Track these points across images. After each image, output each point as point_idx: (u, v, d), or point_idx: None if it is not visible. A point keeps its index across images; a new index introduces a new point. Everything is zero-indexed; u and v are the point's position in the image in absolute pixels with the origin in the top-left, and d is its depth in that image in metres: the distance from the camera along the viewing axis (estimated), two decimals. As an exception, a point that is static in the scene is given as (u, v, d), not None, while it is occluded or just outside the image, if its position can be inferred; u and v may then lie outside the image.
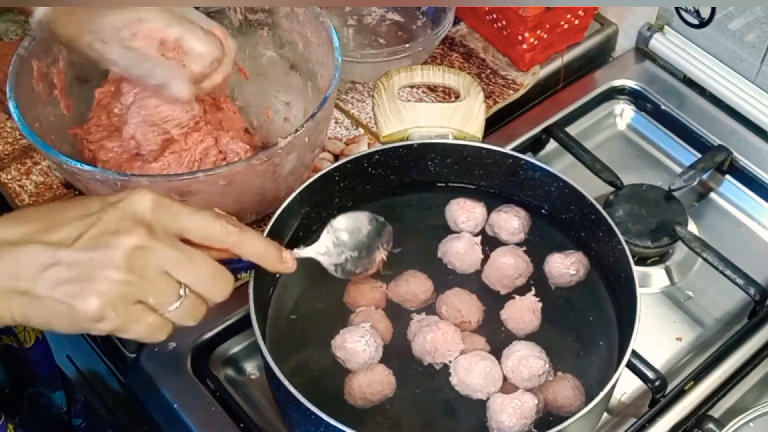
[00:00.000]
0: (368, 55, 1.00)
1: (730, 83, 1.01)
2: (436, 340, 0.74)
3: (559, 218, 0.84)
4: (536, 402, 0.71)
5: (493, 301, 0.79)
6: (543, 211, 0.84)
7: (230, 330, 0.84)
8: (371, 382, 0.73)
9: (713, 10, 0.99)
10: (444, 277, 0.81)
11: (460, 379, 0.73)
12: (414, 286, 0.79)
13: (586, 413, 0.67)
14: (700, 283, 0.91)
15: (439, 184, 0.87)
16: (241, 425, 0.78)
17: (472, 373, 0.73)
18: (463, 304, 0.78)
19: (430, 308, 0.79)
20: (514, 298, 0.78)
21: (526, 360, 0.73)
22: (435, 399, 0.74)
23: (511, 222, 0.82)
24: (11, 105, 0.80)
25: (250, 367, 0.85)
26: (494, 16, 1.04)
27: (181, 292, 0.59)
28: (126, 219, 0.58)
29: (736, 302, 0.89)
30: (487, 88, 1.03)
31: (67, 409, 1.03)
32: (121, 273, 0.56)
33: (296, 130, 0.79)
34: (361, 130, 0.99)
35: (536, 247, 0.82)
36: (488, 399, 0.72)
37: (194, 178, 0.76)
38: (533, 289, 0.79)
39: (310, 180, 0.80)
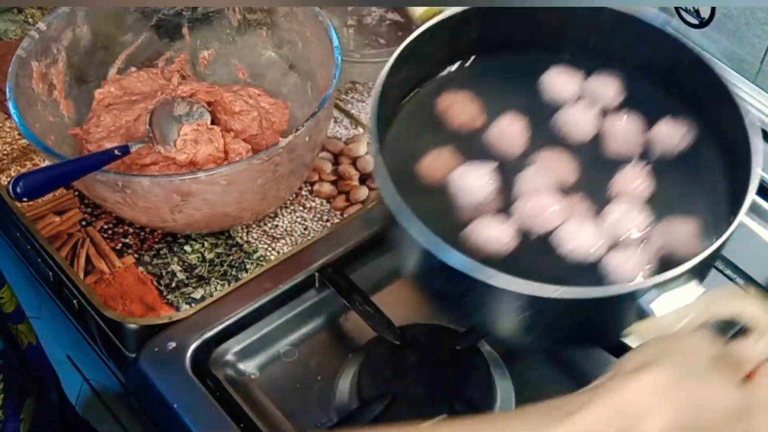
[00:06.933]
0: (368, 55, 1.00)
1: (730, 83, 1.01)
2: (535, 207, 0.73)
3: (665, 81, 0.81)
4: (648, 252, 0.71)
5: (604, 169, 0.78)
6: (645, 73, 0.82)
7: (230, 330, 0.84)
8: (492, 235, 0.71)
9: (713, 10, 0.99)
10: (538, 138, 0.79)
11: (569, 248, 0.71)
12: (510, 135, 0.78)
13: (699, 261, 0.65)
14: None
15: (533, 47, 0.83)
16: (241, 425, 0.78)
17: (577, 239, 0.71)
18: (559, 163, 0.77)
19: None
20: (623, 168, 0.76)
21: (627, 214, 0.72)
22: (546, 258, 0.72)
23: (609, 86, 0.80)
24: (11, 105, 0.80)
25: (250, 367, 0.85)
26: (494, 15, 1.04)
27: None
28: None
29: (736, 302, 0.89)
30: (486, 88, 1.03)
31: (61, 406, 1.04)
32: None
33: (296, 130, 0.79)
34: (361, 130, 0.99)
35: (639, 112, 0.80)
36: (601, 258, 0.71)
37: (195, 178, 0.76)
38: (639, 156, 0.77)
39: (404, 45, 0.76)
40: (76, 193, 0.93)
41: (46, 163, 0.95)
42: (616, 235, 0.72)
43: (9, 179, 0.93)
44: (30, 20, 1.08)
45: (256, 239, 0.89)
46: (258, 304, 0.84)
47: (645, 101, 0.81)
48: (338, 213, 0.92)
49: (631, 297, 0.65)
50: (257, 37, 0.97)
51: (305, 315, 0.87)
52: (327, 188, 0.93)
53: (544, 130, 0.79)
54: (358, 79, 1.04)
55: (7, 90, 0.81)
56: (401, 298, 0.89)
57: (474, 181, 0.73)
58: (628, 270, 0.70)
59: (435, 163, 0.76)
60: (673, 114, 0.79)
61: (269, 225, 0.90)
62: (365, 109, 1.01)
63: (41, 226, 0.90)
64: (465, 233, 0.71)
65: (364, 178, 0.94)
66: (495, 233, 0.71)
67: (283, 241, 0.89)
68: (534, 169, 0.76)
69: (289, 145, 0.78)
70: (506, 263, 0.70)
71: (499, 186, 0.75)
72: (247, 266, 0.87)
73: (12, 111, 0.80)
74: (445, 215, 0.73)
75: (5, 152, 0.97)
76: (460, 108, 0.80)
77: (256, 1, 0.94)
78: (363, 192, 0.93)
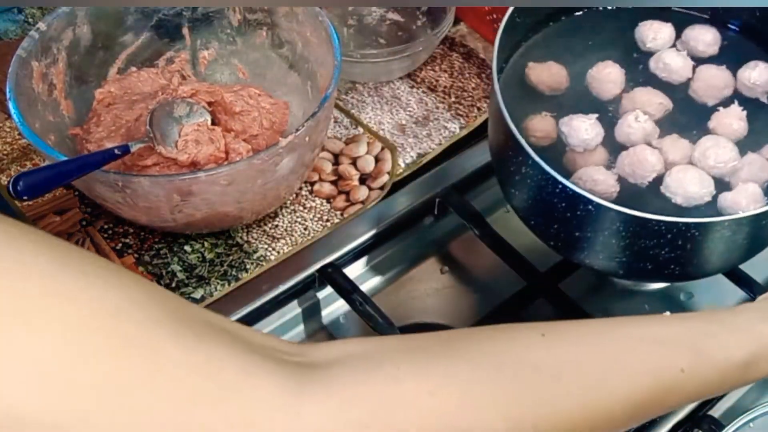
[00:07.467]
0: (368, 55, 1.00)
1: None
2: (633, 164, 0.75)
3: (755, 32, 0.85)
4: (754, 186, 0.74)
5: (698, 113, 0.81)
6: (736, 26, 0.86)
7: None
8: (600, 178, 0.74)
9: (714, 9, 0.99)
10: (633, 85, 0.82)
11: (681, 196, 0.74)
12: (608, 82, 0.81)
13: None
14: (700, 282, 0.91)
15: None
16: (242, 425, 0.78)
17: (686, 184, 0.74)
18: (649, 97, 0.80)
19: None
20: (719, 110, 0.79)
21: (715, 148, 0.75)
22: (655, 203, 0.75)
23: (704, 36, 0.84)
24: (11, 105, 0.80)
25: (250, 368, 0.85)
26: (494, 16, 1.04)
27: None
28: None
29: (736, 302, 0.89)
30: (487, 89, 1.03)
31: None
32: None
33: (297, 130, 0.79)
34: (361, 129, 0.99)
35: (728, 62, 0.83)
36: (715, 198, 0.74)
37: (195, 178, 0.76)
38: (730, 99, 0.80)
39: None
40: (76, 193, 0.93)
41: (47, 163, 0.95)
42: (720, 175, 0.75)
43: (9, 179, 0.94)
44: (30, 20, 1.07)
45: (256, 239, 0.89)
46: (258, 304, 0.84)
47: (734, 50, 0.85)
48: (338, 213, 0.92)
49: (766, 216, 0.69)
50: (257, 37, 0.97)
51: (305, 315, 0.87)
52: (327, 188, 0.94)
53: (639, 78, 0.83)
54: (358, 79, 1.04)
55: (7, 90, 0.81)
56: (401, 298, 0.89)
57: (581, 129, 0.76)
58: (744, 205, 0.73)
59: (540, 123, 0.79)
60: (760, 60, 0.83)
61: (269, 225, 0.90)
62: (365, 109, 1.01)
63: (41, 226, 0.90)
64: (574, 179, 0.75)
65: (364, 178, 0.95)
66: (603, 177, 0.75)
67: (283, 241, 0.89)
68: (633, 116, 0.78)
69: (289, 145, 0.78)
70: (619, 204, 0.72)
71: (603, 134, 0.78)
72: (247, 266, 0.87)
73: (12, 111, 0.80)
74: (554, 166, 0.75)
75: (5, 152, 0.97)
76: (551, 71, 0.83)
77: (256, 1, 0.94)
78: (363, 192, 0.93)
